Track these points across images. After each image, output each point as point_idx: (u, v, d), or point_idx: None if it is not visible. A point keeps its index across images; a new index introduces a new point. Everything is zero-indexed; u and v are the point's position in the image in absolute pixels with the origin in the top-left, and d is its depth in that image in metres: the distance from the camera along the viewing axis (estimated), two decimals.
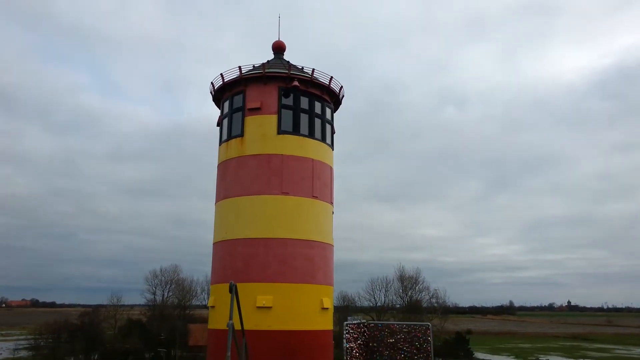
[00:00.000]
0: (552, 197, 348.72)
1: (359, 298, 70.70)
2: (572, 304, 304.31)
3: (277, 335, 20.25)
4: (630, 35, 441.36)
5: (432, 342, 19.61)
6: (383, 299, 68.49)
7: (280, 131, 22.71)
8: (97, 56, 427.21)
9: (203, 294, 67.54)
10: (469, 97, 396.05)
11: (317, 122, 23.82)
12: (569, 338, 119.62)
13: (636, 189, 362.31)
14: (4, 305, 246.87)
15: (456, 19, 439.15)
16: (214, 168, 24.79)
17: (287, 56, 26.37)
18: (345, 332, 19.37)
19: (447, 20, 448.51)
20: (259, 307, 20.36)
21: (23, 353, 66.74)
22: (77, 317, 65.18)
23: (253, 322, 19.32)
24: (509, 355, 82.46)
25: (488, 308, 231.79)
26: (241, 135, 23.09)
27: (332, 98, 25.03)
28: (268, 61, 25.33)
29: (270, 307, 20.44)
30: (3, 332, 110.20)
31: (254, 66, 24.56)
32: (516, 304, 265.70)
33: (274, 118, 22.85)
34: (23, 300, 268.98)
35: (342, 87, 24.99)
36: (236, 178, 22.72)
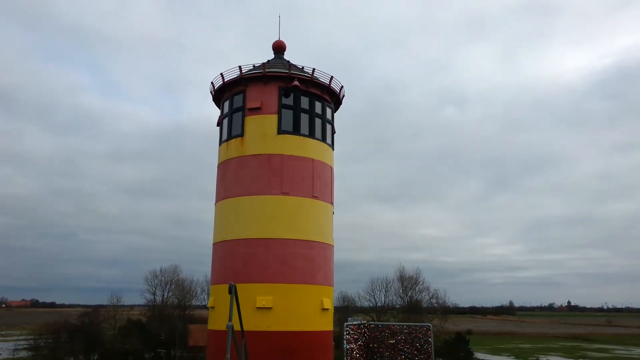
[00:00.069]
0: (552, 197, 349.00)
1: (359, 298, 70.66)
2: (572, 304, 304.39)
3: (277, 336, 20.17)
4: (630, 35, 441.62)
5: (432, 343, 19.53)
6: (383, 299, 68.43)
7: (280, 131, 22.64)
8: (97, 56, 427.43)
9: (203, 294, 67.45)
10: (469, 97, 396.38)
11: (318, 122, 23.76)
12: (569, 338, 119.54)
13: (636, 189, 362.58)
14: (3, 305, 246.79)
15: (456, 19, 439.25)
16: (214, 168, 24.72)
17: (287, 56, 26.31)
18: (345, 333, 19.29)
19: (447, 20, 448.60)
20: (258, 308, 20.29)
21: (23, 353, 66.63)
22: (77, 318, 65.04)
23: (253, 322, 19.26)
24: (509, 356, 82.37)
25: (488, 308, 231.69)
26: (241, 135, 23.02)
27: (333, 98, 24.96)
28: (268, 61, 25.26)
29: (270, 307, 20.37)
30: (3, 333, 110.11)
31: (254, 66, 24.50)
32: (516, 304, 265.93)
33: (274, 118, 22.78)
34: (23, 300, 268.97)
35: (342, 86, 24.93)
36: (236, 178, 22.65)
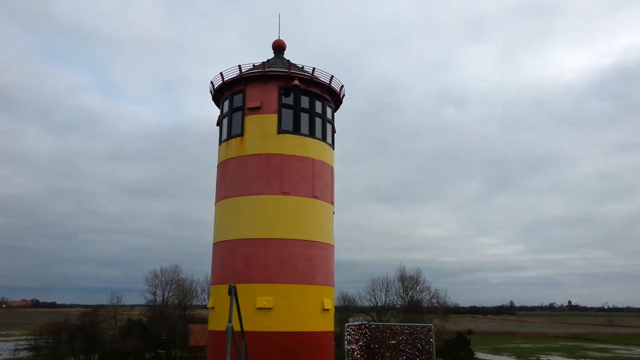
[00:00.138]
0: (552, 197, 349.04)
1: (360, 298, 70.62)
2: (573, 303, 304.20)
3: (278, 337, 20.08)
4: (630, 35, 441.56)
5: (434, 343, 19.41)
6: (384, 299, 68.37)
7: (280, 130, 22.53)
8: (97, 56, 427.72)
9: (203, 294, 67.31)
10: (469, 97, 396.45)
11: (318, 121, 23.64)
12: (570, 338, 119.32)
13: (636, 189, 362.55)
14: (4, 305, 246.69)
15: (456, 19, 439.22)
16: (214, 168, 24.61)
17: (287, 56, 26.17)
18: (346, 334, 19.18)
19: (447, 20, 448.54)
20: (259, 308, 20.19)
21: (23, 353, 66.50)
22: (77, 318, 64.90)
23: (253, 323, 19.14)
24: (509, 356, 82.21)
25: (488, 308, 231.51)
26: (241, 134, 22.91)
27: (333, 97, 24.85)
28: (268, 60, 25.14)
29: (271, 308, 20.27)
30: (3, 333, 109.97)
31: (254, 65, 24.38)
32: (517, 304, 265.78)
33: (274, 117, 22.66)
34: (23, 300, 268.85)
35: (342, 86, 24.82)
36: (236, 178, 22.55)
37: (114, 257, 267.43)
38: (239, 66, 23.31)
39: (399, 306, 67.90)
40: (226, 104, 24.19)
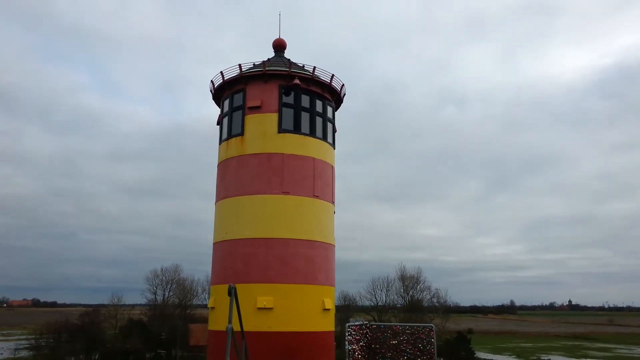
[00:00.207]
0: (552, 197, 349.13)
1: (360, 298, 70.57)
2: (573, 303, 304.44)
3: (278, 337, 20.00)
4: (630, 35, 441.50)
5: (435, 343, 19.32)
6: (384, 298, 68.29)
7: (280, 130, 22.44)
8: (97, 56, 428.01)
9: (204, 293, 67.23)
10: (469, 97, 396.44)
11: (318, 120, 23.55)
12: (571, 337, 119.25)
13: (636, 188, 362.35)
14: (5, 305, 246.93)
15: (456, 19, 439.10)
16: (214, 168, 24.53)
17: (287, 56, 26.05)
18: (347, 334, 19.08)
19: (447, 20, 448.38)
20: (259, 308, 20.12)
21: (24, 353, 66.50)
22: (77, 317, 64.85)
23: (253, 323, 19.09)
24: (510, 355, 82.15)
25: (489, 307, 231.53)
26: (241, 134, 22.81)
27: (334, 96, 24.75)
28: (269, 59, 25.03)
29: (271, 308, 20.20)
30: (4, 332, 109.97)
31: (254, 64, 24.26)
32: (517, 304, 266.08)
33: (274, 116, 22.57)
34: (24, 300, 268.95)
35: (343, 85, 24.72)
36: (236, 177, 22.46)
37: (114, 257, 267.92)
38: (239, 65, 23.22)
39: (399, 306, 67.83)
40: (226, 103, 24.10)
